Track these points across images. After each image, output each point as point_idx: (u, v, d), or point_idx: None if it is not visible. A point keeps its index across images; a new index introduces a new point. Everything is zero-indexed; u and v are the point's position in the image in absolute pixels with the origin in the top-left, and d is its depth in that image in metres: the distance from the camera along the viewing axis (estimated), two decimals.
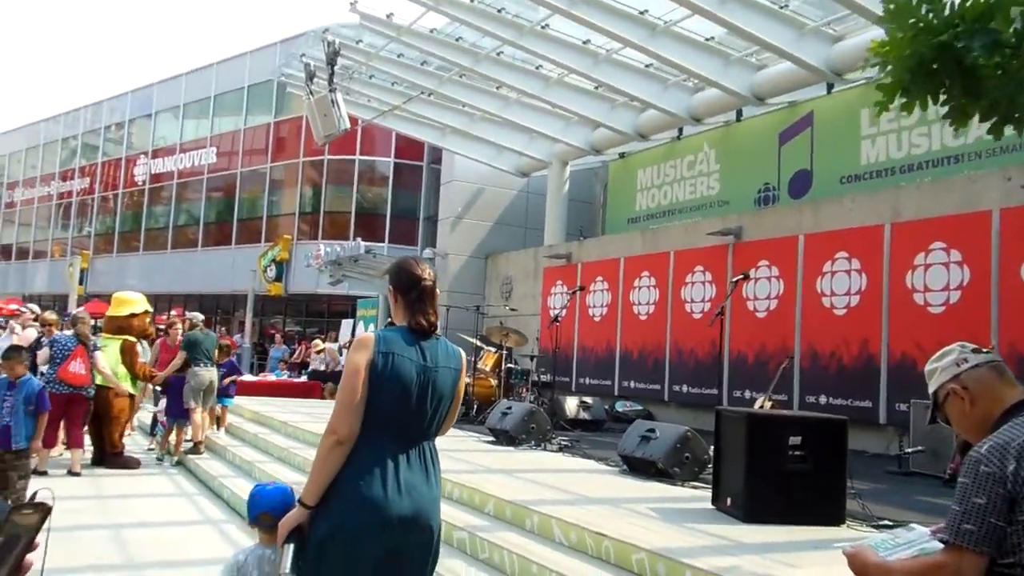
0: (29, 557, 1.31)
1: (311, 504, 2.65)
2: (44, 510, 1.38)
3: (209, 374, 9.95)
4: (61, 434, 9.05)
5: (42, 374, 8.76)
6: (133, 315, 9.92)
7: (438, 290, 2.95)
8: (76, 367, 8.76)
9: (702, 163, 14.53)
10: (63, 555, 5.67)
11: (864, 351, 9.52)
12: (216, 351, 10.48)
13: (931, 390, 2.30)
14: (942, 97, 3.57)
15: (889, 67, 3.57)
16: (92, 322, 10.57)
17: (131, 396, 9.71)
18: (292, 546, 2.62)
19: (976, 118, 3.66)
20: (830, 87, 11.96)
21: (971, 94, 3.51)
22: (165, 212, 31.78)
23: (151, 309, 10.63)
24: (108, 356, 9.42)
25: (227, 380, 11.24)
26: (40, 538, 1.36)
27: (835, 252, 9.98)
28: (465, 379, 2.97)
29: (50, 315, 9.89)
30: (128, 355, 9.59)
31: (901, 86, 3.55)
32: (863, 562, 2.21)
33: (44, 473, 8.61)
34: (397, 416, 2.70)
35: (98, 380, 9.09)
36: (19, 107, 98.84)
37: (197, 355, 9.91)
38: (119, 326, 9.83)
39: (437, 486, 2.80)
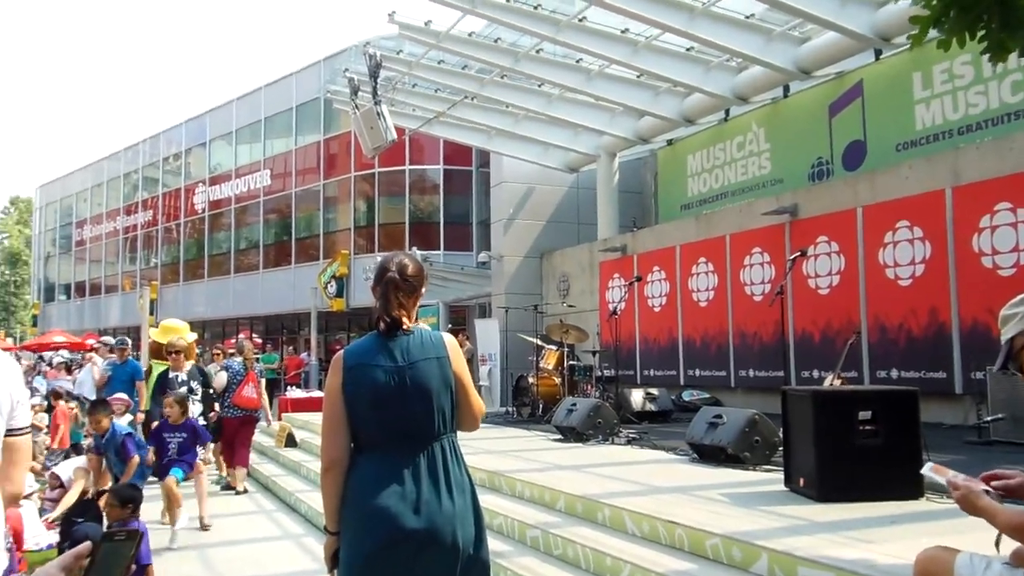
0: None
1: (332, 530, 2.66)
2: (136, 536, 1.45)
3: None
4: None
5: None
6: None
7: (424, 288, 2.79)
8: (249, 392, 9.38)
9: (752, 143, 14.31)
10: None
11: (934, 320, 9.26)
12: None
13: (1006, 337, 2.21)
14: (980, 33, 3.42)
15: None
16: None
17: None
18: (336, 572, 2.67)
19: (1016, 53, 3.50)
20: (878, 54, 11.68)
21: (1010, 27, 3.34)
22: (226, 238, 32.52)
23: (192, 337, 10.80)
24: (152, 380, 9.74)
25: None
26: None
27: (896, 222, 9.73)
28: (460, 363, 2.74)
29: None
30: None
31: (935, 18, 3.40)
32: (973, 503, 2.18)
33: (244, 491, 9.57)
34: (383, 426, 2.60)
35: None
36: (82, 147, 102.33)
37: None
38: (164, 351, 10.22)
39: (457, 495, 2.59)
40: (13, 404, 1.99)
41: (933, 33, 3.53)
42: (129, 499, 5.40)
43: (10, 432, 2.02)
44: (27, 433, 2.08)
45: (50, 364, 18.55)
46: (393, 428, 2.59)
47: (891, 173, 10.18)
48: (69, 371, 16.93)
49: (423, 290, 2.81)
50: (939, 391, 8.98)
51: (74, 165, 45.71)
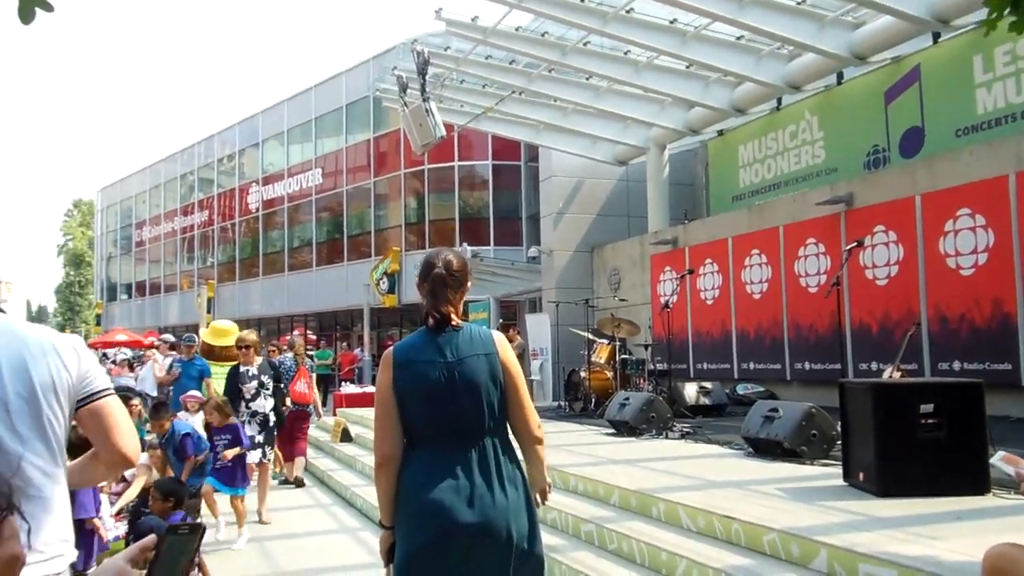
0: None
1: (387, 524, 2.68)
2: (199, 530, 1.48)
3: None
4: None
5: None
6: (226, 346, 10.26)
7: (469, 283, 2.80)
8: (301, 387, 9.78)
9: (805, 132, 14.05)
10: (214, 569, 5.98)
11: (998, 311, 8.99)
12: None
13: None
14: None
15: None
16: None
17: None
18: (392, 566, 2.68)
19: None
20: (936, 37, 11.37)
21: None
22: (280, 236, 33.03)
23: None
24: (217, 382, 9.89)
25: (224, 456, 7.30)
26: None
27: (956, 210, 9.46)
28: (509, 359, 2.73)
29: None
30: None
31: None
32: None
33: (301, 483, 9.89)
34: (433, 422, 2.62)
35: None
36: (140, 150, 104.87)
37: None
38: (214, 353, 10.45)
39: (510, 489, 2.60)
40: (75, 376, 1.96)
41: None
42: (171, 492, 5.50)
43: (89, 398, 1.99)
44: (109, 394, 2.03)
45: (114, 361, 19.05)
46: (443, 424, 2.61)
47: (951, 159, 9.90)
48: (131, 368, 17.35)
49: (468, 284, 2.82)
50: (1004, 383, 8.71)
51: (132, 168, 46.77)
